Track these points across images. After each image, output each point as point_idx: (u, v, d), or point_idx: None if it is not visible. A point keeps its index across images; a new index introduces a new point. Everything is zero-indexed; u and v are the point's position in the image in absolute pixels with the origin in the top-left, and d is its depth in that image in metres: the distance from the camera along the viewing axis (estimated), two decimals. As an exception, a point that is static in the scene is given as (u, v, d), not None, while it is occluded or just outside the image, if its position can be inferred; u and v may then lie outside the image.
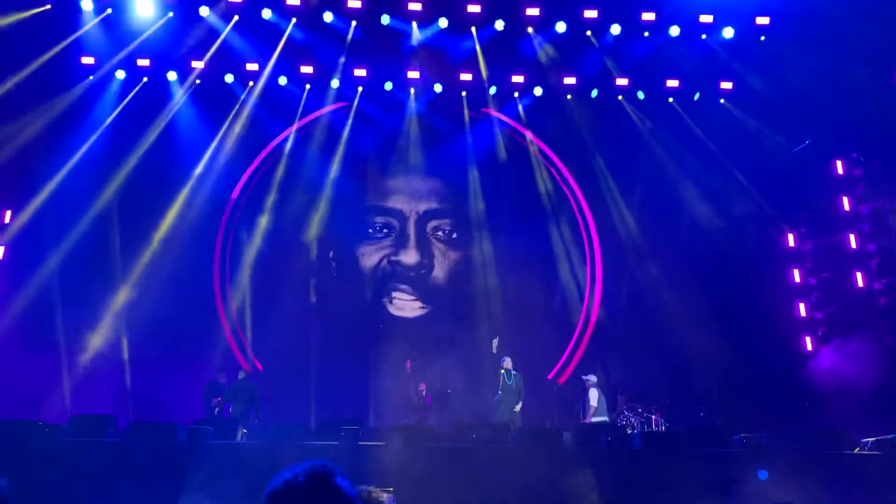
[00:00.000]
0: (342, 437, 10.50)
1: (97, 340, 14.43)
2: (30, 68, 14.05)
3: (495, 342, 14.09)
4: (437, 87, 16.26)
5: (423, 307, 16.54)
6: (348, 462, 9.58)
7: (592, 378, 13.40)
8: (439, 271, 16.73)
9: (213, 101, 16.00)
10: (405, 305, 16.53)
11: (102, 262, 15.09)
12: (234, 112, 15.90)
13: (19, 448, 9.70)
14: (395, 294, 16.52)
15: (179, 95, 15.72)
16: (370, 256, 16.66)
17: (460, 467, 10.05)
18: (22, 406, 12.84)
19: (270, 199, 16.07)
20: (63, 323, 14.51)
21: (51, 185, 14.54)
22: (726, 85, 16.06)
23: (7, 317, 13.95)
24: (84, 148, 14.98)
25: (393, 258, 16.62)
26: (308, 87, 16.22)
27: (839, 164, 15.44)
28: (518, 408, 13.06)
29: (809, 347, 15.55)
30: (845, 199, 15.29)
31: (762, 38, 15.20)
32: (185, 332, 14.84)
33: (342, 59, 15.54)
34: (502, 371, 13.18)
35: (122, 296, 14.89)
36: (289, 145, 16.32)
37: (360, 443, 10.45)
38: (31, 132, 14.21)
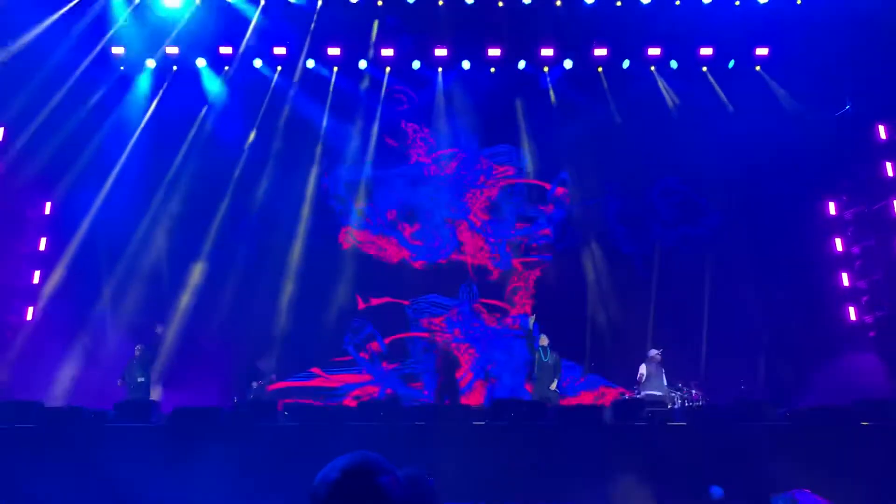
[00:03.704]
0: (381, 417, 10.58)
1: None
2: (78, 71, 14.31)
3: (532, 318, 14.04)
4: (465, 64, 16.10)
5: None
6: (386, 442, 9.66)
7: (651, 352, 13.20)
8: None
9: (243, 86, 15.98)
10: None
11: (157, 254, 15.34)
12: (266, 99, 15.94)
13: (66, 434, 9.95)
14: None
15: (211, 83, 15.81)
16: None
17: (497, 446, 10.07)
18: (75, 394, 13.24)
19: (310, 184, 16.14)
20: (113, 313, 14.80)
21: (109, 182, 14.91)
22: (762, 51, 15.61)
23: (58, 304, 14.26)
24: (131, 143, 15.25)
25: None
26: (336, 69, 16.20)
27: (881, 128, 14.94)
28: (554, 386, 12.99)
29: (853, 318, 15.20)
30: (888, 165, 14.80)
31: (798, 0, 14.76)
32: (226, 320, 14.98)
33: (372, 40, 15.50)
34: (539, 348, 13.13)
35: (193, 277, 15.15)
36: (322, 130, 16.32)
37: (398, 423, 10.51)
38: (69, 125, 14.39)
